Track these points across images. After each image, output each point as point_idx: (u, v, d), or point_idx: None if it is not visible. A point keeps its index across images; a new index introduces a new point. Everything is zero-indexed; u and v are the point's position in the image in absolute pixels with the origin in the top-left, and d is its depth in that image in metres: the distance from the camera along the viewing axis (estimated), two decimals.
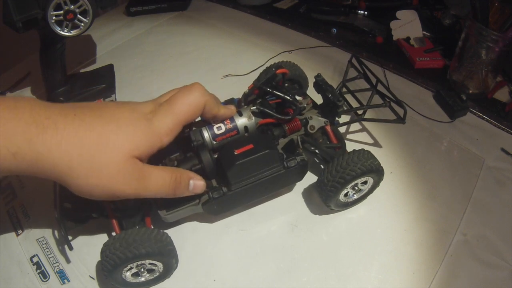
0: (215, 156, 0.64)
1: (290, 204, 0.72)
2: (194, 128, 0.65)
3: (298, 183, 0.74)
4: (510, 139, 0.83)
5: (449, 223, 0.69)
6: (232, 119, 0.66)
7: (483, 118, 0.87)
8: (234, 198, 0.62)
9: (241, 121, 0.66)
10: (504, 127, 0.85)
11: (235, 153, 0.61)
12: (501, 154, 0.80)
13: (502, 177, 0.76)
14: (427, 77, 0.97)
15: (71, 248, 0.57)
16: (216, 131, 0.65)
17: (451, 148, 0.81)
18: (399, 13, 1.09)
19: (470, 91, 0.91)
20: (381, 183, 0.69)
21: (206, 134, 0.64)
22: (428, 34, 1.10)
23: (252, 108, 0.67)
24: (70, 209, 0.60)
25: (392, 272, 0.62)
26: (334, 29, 1.14)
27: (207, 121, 0.64)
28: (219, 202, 0.62)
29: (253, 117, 0.66)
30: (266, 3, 1.27)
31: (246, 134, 0.66)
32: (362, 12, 1.18)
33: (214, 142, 0.65)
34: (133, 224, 0.61)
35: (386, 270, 0.62)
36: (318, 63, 1.01)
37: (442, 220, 0.69)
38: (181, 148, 0.67)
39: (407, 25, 1.09)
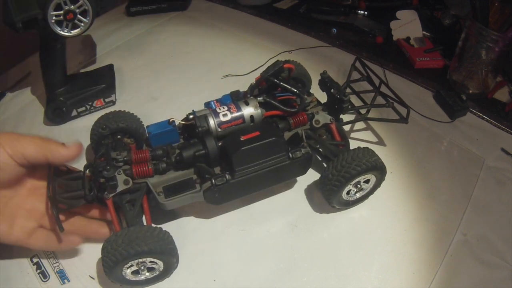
0: (219, 143, 0.63)
1: (290, 204, 0.72)
2: (198, 114, 0.64)
3: (299, 182, 0.74)
4: (510, 139, 0.83)
5: (449, 223, 0.69)
6: (238, 107, 0.66)
7: (483, 118, 0.87)
8: (237, 187, 0.62)
9: (248, 111, 0.66)
10: (504, 127, 0.85)
11: (241, 139, 0.61)
12: (501, 154, 0.80)
13: (502, 177, 0.76)
14: (427, 77, 0.97)
15: (61, 229, 0.56)
16: (222, 118, 0.64)
17: (451, 148, 0.81)
18: (399, 13, 1.09)
19: (470, 91, 0.91)
20: (382, 183, 0.69)
21: (211, 121, 0.64)
22: (428, 34, 1.10)
23: (258, 98, 0.67)
24: (62, 190, 0.59)
25: (392, 272, 0.62)
26: (334, 29, 1.14)
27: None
28: (222, 190, 0.61)
29: (259, 108, 0.66)
30: (266, 3, 1.27)
31: (251, 124, 0.66)
32: (362, 12, 1.18)
33: (219, 130, 0.64)
34: (133, 216, 0.60)
35: (386, 270, 0.62)
36: (318, 63, 1.01)
37: (442, 220, 0.69)
38: (184, 135, 0.67)
39: (407, 25, 1.09)
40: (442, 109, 0.89)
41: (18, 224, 0.59)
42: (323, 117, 0.69)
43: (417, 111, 0.87)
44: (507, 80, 0.94)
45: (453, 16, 1.07)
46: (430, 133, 0.84)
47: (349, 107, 0.70)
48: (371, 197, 0.70)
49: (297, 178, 0.74)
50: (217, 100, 0.70)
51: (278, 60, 0.68)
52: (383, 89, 0.79)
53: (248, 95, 0.69)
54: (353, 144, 0.70)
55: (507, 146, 0.81)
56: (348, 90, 0.81)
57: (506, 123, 0.85)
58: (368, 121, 0.85)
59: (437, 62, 1.00)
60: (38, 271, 0.63)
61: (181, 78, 0.99)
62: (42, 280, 0.62)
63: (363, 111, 0.79)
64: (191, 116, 0.66)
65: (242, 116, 0.65)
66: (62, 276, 0.62)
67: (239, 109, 0.65)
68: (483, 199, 0.72)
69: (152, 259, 0.56)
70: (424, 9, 1.14)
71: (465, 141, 0.82)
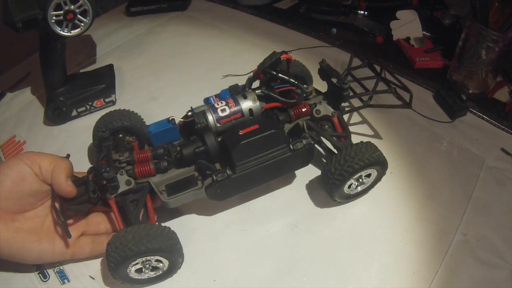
0: (219, 139, 0.63)
1: (290, 203, 0.72)
2: (197, 111, 0.64)
3: (299, 181, 0.74)
4: (510, 139, 0.83)
5: (449, 223, 0.69)
6: (236, 101, 0.65)
7: (483, 118, 0.87)
8: (238, 182, 0.61)
9: (246, 104, 0.65)
10: (504, 127, 0.85)
11: (240, 133, 0.61)
12: (501, 154, 0.80)
13: (502, 177, 0.76)
14: (427, 77, 0.97)
15: (69, 235, 0.57)
16: (221, 114, 0.64)
17: (451, 148, 0.81)
18: (399, 13, 1.09)
19: (470, 91, 0.91)
20: (382, 183, 0.69)
21: (210, 117, 0.64)
22: (428, 34, 1.10)
23: (257, 91, 0.67)
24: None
25: (392, 272, 0.62)
26: (334, 29, 1.14)
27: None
28: (223, 185, 0.61)
29: (258, 101, 0.66)
30: (266, 3, 1.27)
31: (250, 117, 0.66)
32: (362, 12, 1.18)
33: (218, 125, 0.64)
34: (137, 214, 0.60)
35: (386, 270, 0.62)
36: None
37: (442, 220, 0.69)
38: (183, 133, 0.67)
39: (407, 25, 1.09)
40: (442, 109, 0.89)
41: (59, 239, 0.60)
42: (325, 108, 0.69)
43: (417, 111, 0.87)
44: (507, 80, 0.94)
45: (453, 16, 1.07)
46: (430, 133, 0.84)
47: (350, 94, 0.70)
48: (371, 197, 0.70)
49: (298, 178, 0.74)
50: (216, 96, 0.70)
51: (274, 51, 0.68)
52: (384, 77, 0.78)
53: (247, 89, 0.69)
54: (353, 140, 0.70)
55: (507, 146, 0.81)
56: (349, 78, 0.80)
57: (506, 123, 0.85)
58: (368, 119, 0.85)
59: (437, 62, 1.00)
60: (38, 271, 0.63)
61: (181, 78, 0.99)
62: (42, 280, 0.62)
63: (365, 98, 0.78)
64: (189, 113, 0.66)
65: (240, 110, 0.65)
66: (62, 276, 0.62)
67: (237, 104, 0.65)
68: (483, 199, 0.72)
69: (158, 258, 0.56)
70: (424, 9, 1.14)
71: (465, 141, 0.82)
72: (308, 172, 0.73)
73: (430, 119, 0.86)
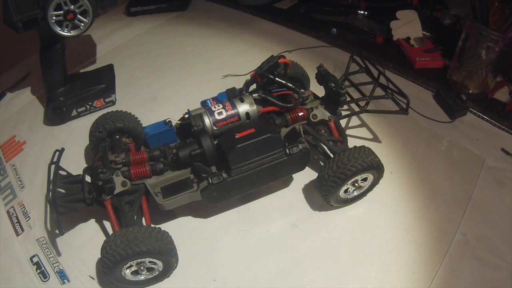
0: (215, 142, 0.63)
1: (291, 204, 0.72)
2: (194, 114, 0.65)
3: (299, 181, 0.74)
4: (510, 139, 0.83)
5: (449, 223, 0.69)
6: (233, 105, 0.66)
7: (483, 118, 0.87)
8: (234, 185, 0.62)
9: (243, 108, 0.66)
10: (504, 127, 0.85)
11: (237, 136, 0.61)
12: (501, 154, 0.80)
13: (502, 177, 0.75)
14: (427, 77, 0.97)
15: (61, 232, 0.57)
16: (217, 117, 0.65)
17: (451, 148, 0.81)
18: (399, 13, 1.09)
19: (470, 91, 0.91)
20: (382, 183, 0.69)
21: (206, 120, 0.64)
22: (428, 34, 1.10)
23: (254, 95, 0.67)
24: (63, 193, 0.59)
25: (392, 272, 0.62)
26: (334, 29, 1.14)
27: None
28: (219, 188, 0.61)
29: (255, 104, 0.66)
30: (266, 3, 1.27)
31: (247, 121, 0.66)
32: (362, 12, 1.18)
33: (215, 128, 0.64)
34: (132, 216, 0.60)
35: (386, 270, 0.62)
36: (318, 63, 1.00)
37: (442, 220, 0.69)
38: (180, 135, 0.67)
39: (407, 25, 1.09)
40: (442, 109, 0.89)
41: None
42: (321, 113, 0.69)
43: (417, 111, 0.87)
44: (507, 80, 0.94)
45: (453, 16, 1.07)
46: (430, 133, 0.84)
47: (347, 99, 0.70)
48: (370, 197, 0.70)
49: (298, 178, 0.74)
50: (213, 98, 0.70)
51: (272, 55, 0.68)
52: (382, 81, 0.78)
53: (244, 92, 0.69)
54: (352, 142, 0.70)
55: (507, 146, 0.80)
56: (346, 83, 0.81)
57: (506, 123, 0.85)
58: (368, 120, 0.85)
59: (437, 62, 1.00)
60: (38, 271, 0.63)
61: (181, 78, 0.99)
62: (42, 280, 0.62)
63: (362, 103, 0.78)
64: (186, 116, 0.66)
65: (237, 114, 0.65)
66: (62, 276, 0.62)
67: (234, 107, 0.65)
68: (483, 199, 0.72)
69: (151, 259, 0.56)
70: (424, 9, 1.14)
71: (465, 141, 0.82)
72: (309, 173, 0.73)
73: (430, 119, 0.86)
